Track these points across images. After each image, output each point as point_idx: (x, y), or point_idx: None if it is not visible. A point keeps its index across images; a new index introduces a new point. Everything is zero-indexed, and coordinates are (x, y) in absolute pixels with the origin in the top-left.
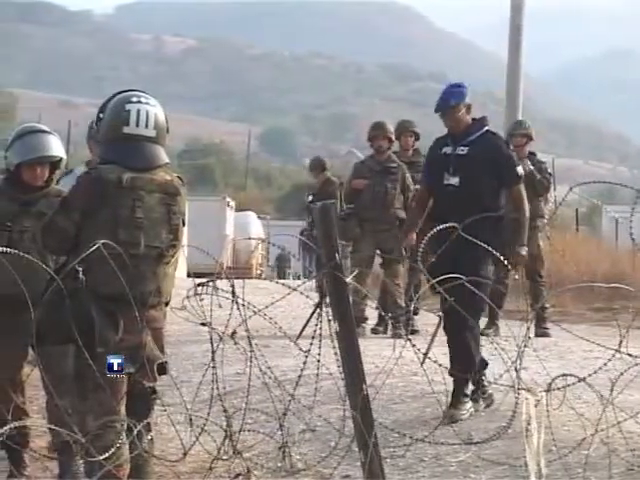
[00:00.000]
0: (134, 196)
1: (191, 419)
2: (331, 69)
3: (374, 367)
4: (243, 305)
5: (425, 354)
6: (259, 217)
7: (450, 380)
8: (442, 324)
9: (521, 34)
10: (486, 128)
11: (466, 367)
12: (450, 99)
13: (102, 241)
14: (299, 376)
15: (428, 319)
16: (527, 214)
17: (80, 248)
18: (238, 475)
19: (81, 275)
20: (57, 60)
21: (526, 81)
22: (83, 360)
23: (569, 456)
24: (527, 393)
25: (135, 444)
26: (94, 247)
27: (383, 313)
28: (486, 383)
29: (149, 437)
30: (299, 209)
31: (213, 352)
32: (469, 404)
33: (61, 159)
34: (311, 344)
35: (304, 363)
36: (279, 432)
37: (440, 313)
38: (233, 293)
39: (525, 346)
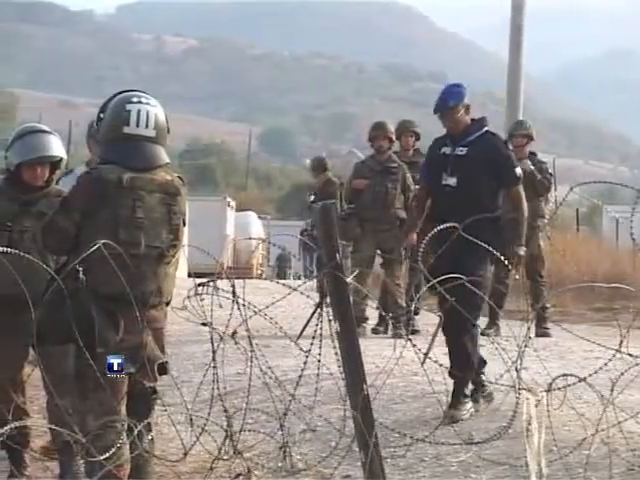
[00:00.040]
0: (134, 196)
1: (192, 419)
2: (332, 69)
3: (375, 367)
4: (244, 305)
5: (426, 354)
6: (260, 217)
7: (450, 380)
8: (442, 324)
9: (522, 34)
10: (485, 129)
11: (464, 368)
12: (449, 100)
13: (103, 241)
14: (300, 376)
15: (429, 319)
16: (525, 214)
17: (80, 248)
18: (239, 475)
19: (81, 275)
20: (58, 60)
21: (527, 81)
22: (83, 360)
23: (570, 456)
24: (528, 393)
25: (136, 444)
26: (95, 247)
27: (384, 313)
28: (486, 382)
29: (150, 437)
30: (300, 209)
31: (214, 352)
32: (469, 404)
33: (61, 159)
34: (312, 344)
35: (305, 363)
36: (280, 432)
37: (440, 313)
38: (234, 293)
39: (526, 346)
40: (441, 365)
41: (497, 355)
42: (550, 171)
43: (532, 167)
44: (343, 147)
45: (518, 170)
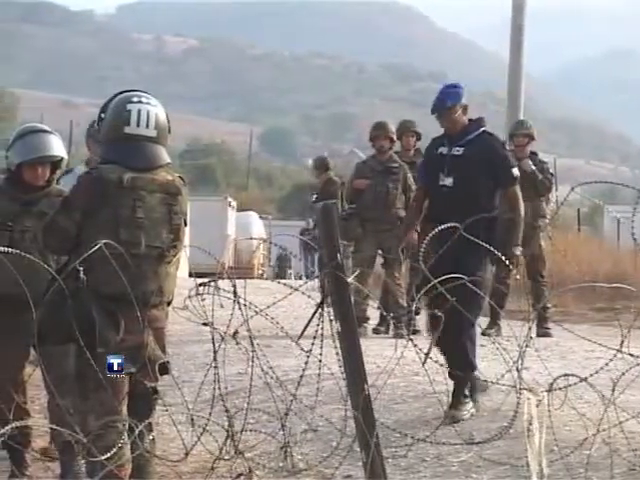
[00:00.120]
0: (135, 196)
1: (193, 419)
2: (332, 69)
3: (376, 367)
4: (245, 305)
5: (426, 354)
6: (261, 217)
7: (451, 380)
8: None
9: (522, 34)
10: (483, 129)
11: (464, 368)
12: (446, 100)
13: (104, 241)
14: (301, 376)
15: None
16: (522, 214)
17: (81, 248)
18: (240, 475)
19: (82, 275)
20: (59, 60)
21: (527, 81)
22: (84, 360)
23: (571, 456)
24: (529, 393)
25: (137, 444)
26: (96, 247)
27: (385, 313)
28: (477, 373)
29: (151, 437)
30: (301, 209)
31: (215, 352)
32: (470, 404)
33: (62, 159)
34: (313, 344)
35: (306, 363)
36: (281, 432)
37: (440, 313)
38: (235, 293)
39: (527, 346)
40: (442, 365)
41: (498, 355)
42: (551, 171)
43: (533, 167)
44: (344, 147)
45: (515, 170)
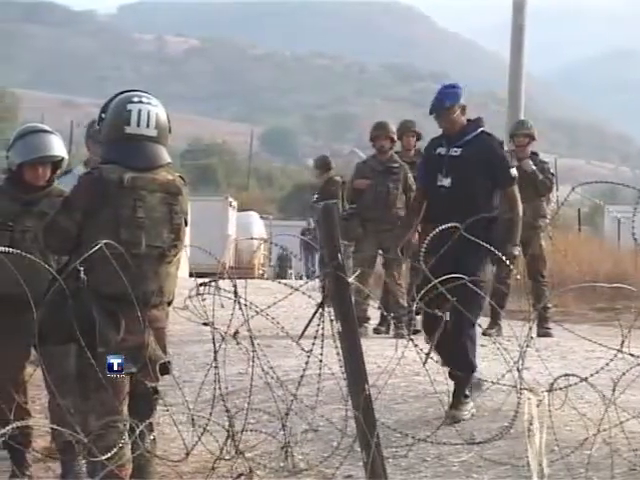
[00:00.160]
0: (135, 196)
1: (193, 419)
2: (333, 69)
3: (376, 367)
4: (245, 305)
5: (427, 354)
6: (261, 217)
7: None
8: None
9: (523, 34)
10: (481, 129)
11: (464, 368)
12: (444, 100)
13: (104, 241)
14: (301, 376)
15: None
16: (520, 215)
17: (82, 248)
18: (240, 475)
19: (83, 275)
20: (60, 60)
21: (528, 81)
22: (85, 360)
23: (571, 456)
24: (529, 393)
25: (137, 444)
26: (96, 247)
27: (385, 313)
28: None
29: (151, 437)
30: (301, 209)
31: (215, 352)
32: (470, 404)
33: (63, 159)
34: (313, 344)
35: (306, 363)
36: (281, 432)
37: (441, 313)
38: (235, 293)
39: (527, 346)
40: (443, 365)
41: (499, 355)
42: (552, 171)
43: (534, 167)
44: (345, 147)
45: (513, 171)
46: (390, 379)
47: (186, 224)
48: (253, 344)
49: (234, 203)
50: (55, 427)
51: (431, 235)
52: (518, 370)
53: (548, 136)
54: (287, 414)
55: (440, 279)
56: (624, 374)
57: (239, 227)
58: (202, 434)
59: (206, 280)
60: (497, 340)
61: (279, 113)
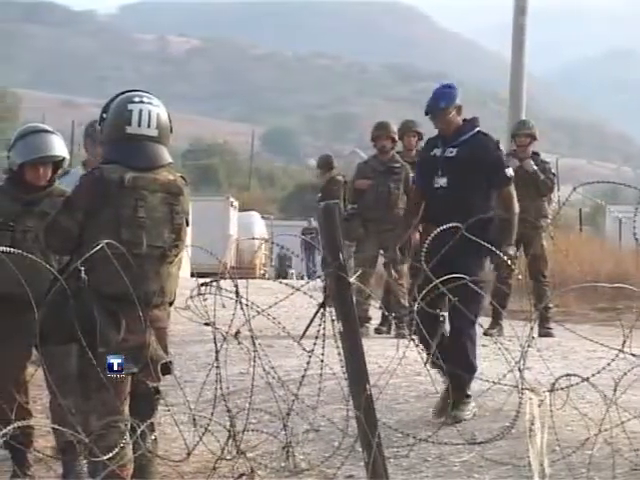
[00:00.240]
0: (136, 196)
1: (195, 419)
2: (334, 69)
3: (377, 367)
4: (247, 305)
5: (428, 354)
6: (263, 217)
7: None
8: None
9: (524, 34)
10: (477, 129)
11: (465, 368)
12: (440, 101)
13: (105, 241)
14: (302, 376)
15: None
16: (517, 215)
17: (83, 248)
18: (242, 475)
19: (84, 275)
20: (61, 60)
21: (529, 81)
22: (86, 360)
23: (573, 456)
24: (531, 393)
25: (139, 444)
26: (97, 247)
27: (387, 313)
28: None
29: (153, 437)
30: (303, 209)
31: (217, 352)
32: (471, 404)
33: (64, 159)
34: (314, 344)
35: (307, 363)
36: (283, 432)
37: (441, 313)
38: (237, 293)
39: (529, 346)
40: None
41: (500, 355)
42: (553, 171)
43: (535, 167)
44: (346, 147)
45: (509, 171)
46: (391, 379)
47: (187, 224)
48: (254, 344)
49: (235, 203)
50: (56, 427)
51: (432, 235)
52: (519, 370)
53: (549, 136)
54: (288, 414)
55: (441, 279)
56: (625, 374)
57: (240, 227)
58: (203, 434)
59: (207, 280)
60: (498, 340)
61: (280, 113)
